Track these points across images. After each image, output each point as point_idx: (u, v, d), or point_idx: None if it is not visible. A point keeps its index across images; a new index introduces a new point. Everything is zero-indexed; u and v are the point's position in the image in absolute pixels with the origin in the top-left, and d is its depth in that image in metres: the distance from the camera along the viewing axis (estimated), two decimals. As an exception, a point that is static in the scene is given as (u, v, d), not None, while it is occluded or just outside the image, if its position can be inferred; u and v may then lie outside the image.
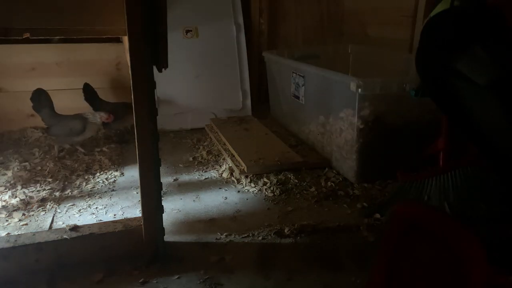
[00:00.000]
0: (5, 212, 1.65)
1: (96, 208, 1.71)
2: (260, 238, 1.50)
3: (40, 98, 2.22)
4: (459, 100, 0.99)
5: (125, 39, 1.49)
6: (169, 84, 2.66)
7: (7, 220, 1.60)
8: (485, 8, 0.99)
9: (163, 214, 1.34)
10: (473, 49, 0.94)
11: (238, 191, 1.88)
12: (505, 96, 0.91)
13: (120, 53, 2.64)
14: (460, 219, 0.95)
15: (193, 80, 2.76)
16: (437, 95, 1.07)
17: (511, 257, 0.95)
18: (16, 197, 1.77)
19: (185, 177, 2.03)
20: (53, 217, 1.63)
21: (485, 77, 0.92)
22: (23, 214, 1.64)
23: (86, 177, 1.99)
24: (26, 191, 1.83)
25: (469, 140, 1.15)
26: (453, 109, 1.04)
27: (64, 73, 2.58)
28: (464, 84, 0.96)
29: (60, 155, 2.21)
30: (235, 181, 1.97)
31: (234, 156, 2.14)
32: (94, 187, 1.90)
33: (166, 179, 1.98)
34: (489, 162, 1.26)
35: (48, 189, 1.86)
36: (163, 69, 1.29)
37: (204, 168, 2.13)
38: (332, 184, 1.91)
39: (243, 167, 2.00)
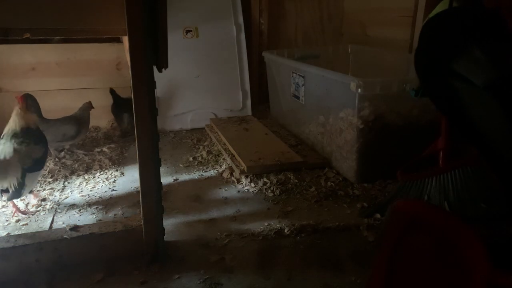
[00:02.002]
0: (5, 212, 1.65)
1: (96, 208, 1.71)
2: (260, 238, 1.50)
3: (28, 105, 2.11)
4: (457, 101, 0.99)
5: (125, 39, 1.49)
6: (169, 84, 2.66)
7: (7, 220, 1.60)
8: (484, 9, 0.99)
9: (163, 214, 1.34)
10: (471, 50, 0.94)
11: (238, 191, 1.88)
12: (503, 97, 0.91)
13: (120, 53, 2.64)
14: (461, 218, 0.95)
15: (193, 80, 2.76)
16: (436, 96, 1.07)
17: (510, 256, 0.95)
18: (16, 197, 1.77)
19: (185, 177, 2.03)
20: (53, 217, 1.63)
21: (484, 78, 0.92)
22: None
23: (86, 177, 1.99)
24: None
25: (468, 141, 1.15)
26: (452, 110, 1.04)
27: (64, 73, 2.58)
28: (463, 85, 0.96)
29: (60, 155, 2.21)
30: (235, 181, 1.97)
31: (234, 156, 2.14)
32: (94, 187, 1.90)
33: (166, 179, 1.98)
34: (488, 163, 1.26)
35: (48, 189, 1.86)
36: (163, 69, 1.29)
37: (204, 168, 2.13)
38: (332, 184, 1.91)
39: (243, 167, 2.00)
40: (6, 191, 1.53)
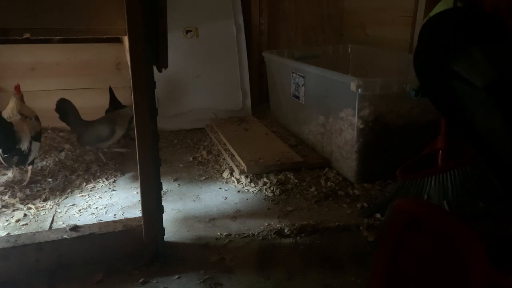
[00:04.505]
0: (5, 212, 1.65)
1: (96, 208, 1.71)
2: (260, 238, 1.50)
3: (65, 108, 2.14)
4: (456, 102, 0.99)
5: (125, 39, 1.49)
6: (169, 84, 2.66)
7: (7, 220, 1.60)
8: (483, 10, 0.99)
9: (163, 214, 1.34)
10: (471, 51, 0.94)
11: (238, 191, 1.88)
12: (502, 98, 0.91)
13: (120, 53, 2.64)
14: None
15: (193, 80, 2.76)
16: (435, 96, 1.07)
17: (510, 256, 0.95)
18: (16, 197, 1.77)
19: (185, 177, 2.03)
20: (53, 217, 1.63)
21: (483, 79, 0.92)
22: (24, 214, 1.64)
23: (86, 177, 1.99)
24: (26, 191, 1.83)
25: (466, 141, 1.15)
26: (451, 110, 1.04)
27: (64, 73, 2.58)
28: (462, 85, 0.96)
29: (60, 155, 2.21)
30: (235, 181, 1.97)
31: (234, 156, 2.14)
32: (94, 187, 1.90)
33: (166, 179, 1.98)
34: (486, 163, 1.26)
35: (48, 189, 1.86)
36: (163, 69, 1.30)
37: (204, 168, 2.13)
38: (332, 184, 1.91)
39: (243, 167, 2.00)
40: (15, 155, 1.82)
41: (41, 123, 1.99)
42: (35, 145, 1.87)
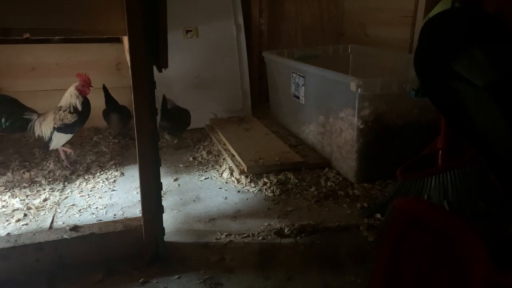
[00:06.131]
0: (5, 212, 1.65)
1: (96, 208, 1.71)
2: (260, 238, 1.50)
3: (164, 104, 2.33)
4: (457, 102, 0.99)
5: (125, 39, 1.49)
6: (169, 84, 2.66)
7: (7, 220, 1.60)
8: (484, 11, 0.98)
9: (163, 214, 1.34)
10: (472, 51, 0.94)
11: (238, 191, 1.88)
12: (503, 98, 0.91)
13: (120, 53, 2.64)
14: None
15: (193, 80, 2.76)
16: (435, 96, 1.07)
17: (510, 256, 0.96)
18: (16, 197, 1.77)
19: (185, 177, 2.03)
20: (53, 217, 1.63)
21: (484, 78, 0.92)
22: (24, 214, 1.64)
23: (86, 177, 1.99)
24: (26, 191, 1.83)
25: (466, 141, 1.15)
26: (451, 110, 1.04)
27: (64, 73, 2.58)
28: (462, 85, 0.96)
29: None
30: (235, 181, 1.97)
31: (234, 156, 2.14)
32: (94, 187, 1.90)
33: (166, 179, 1.98)
34: (486, 163, 1.26)
35: (48, 189, 1.86)
36: (163, 69, 1.30)
37: (204, 168, 2.13)
38: (332, 184, 1.91)
39: (243, 167, 2.00)
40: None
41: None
42: (57, 136, 2.01)
